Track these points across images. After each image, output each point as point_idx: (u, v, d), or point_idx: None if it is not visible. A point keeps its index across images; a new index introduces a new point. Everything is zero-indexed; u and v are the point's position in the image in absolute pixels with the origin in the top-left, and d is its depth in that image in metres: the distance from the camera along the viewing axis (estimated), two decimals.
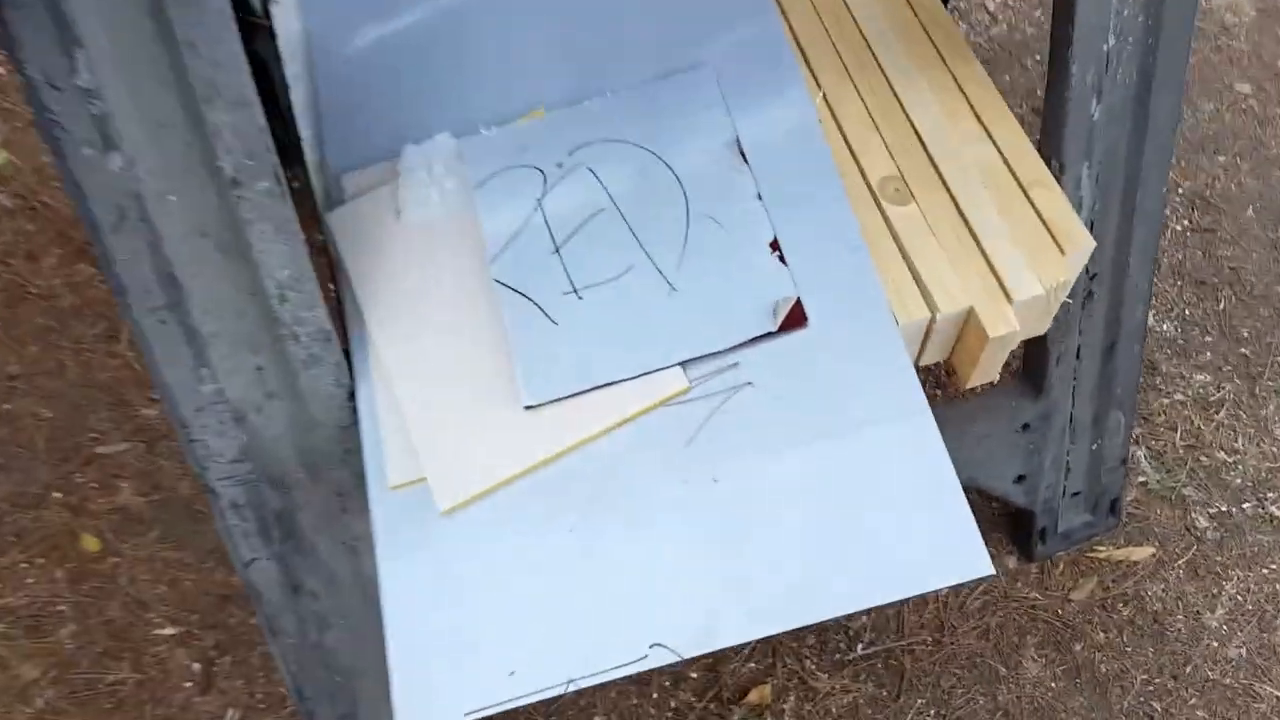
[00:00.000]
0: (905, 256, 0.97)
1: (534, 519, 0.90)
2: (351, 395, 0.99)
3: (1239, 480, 1.55)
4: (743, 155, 1.02)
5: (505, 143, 1.06)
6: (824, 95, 1.07)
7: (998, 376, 1.04)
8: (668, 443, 0.91)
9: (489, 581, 0.88)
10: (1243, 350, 1.65)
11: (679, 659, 0.84)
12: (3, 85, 1.87)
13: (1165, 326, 1.68)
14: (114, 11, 0.76)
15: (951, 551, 0.86)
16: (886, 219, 1.00)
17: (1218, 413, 1.60)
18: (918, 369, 0.94)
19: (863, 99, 1.07)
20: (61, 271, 1.70)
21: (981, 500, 1.49)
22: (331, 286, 1.06)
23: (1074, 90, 1.07)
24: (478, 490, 0.92)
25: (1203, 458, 1.57)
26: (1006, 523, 1.52)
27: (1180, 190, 1.82)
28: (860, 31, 1.10)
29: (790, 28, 1.11)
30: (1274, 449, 1.57)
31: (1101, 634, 1.45)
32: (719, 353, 0.94)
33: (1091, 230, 1.19)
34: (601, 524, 0.89)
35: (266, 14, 1.19)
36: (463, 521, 0.92)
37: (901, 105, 1.06)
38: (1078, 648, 1.44)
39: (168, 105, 0.79)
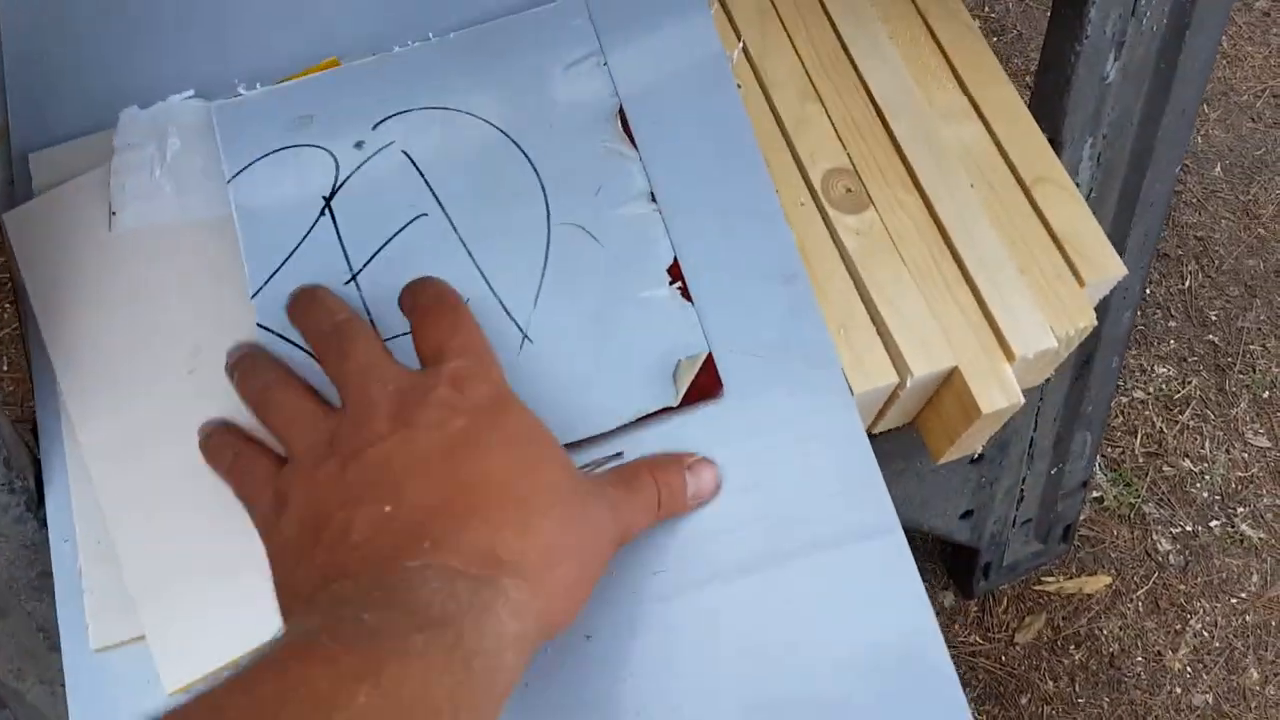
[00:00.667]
0: (860, 290, 0.68)
1: None
2: (37, 502, 0.65)
3: (1206, 493, 1.33)
4: (627, 131, 0.70)
5: (278, 109, 0.71)
6: (743, 47, 0.75)
7: (980, 449, 0.76)
8: None
9: None
10: (1210, 337, 1.42)
11: None
12: None
13: None
14: None
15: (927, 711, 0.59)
16: (833, 232, 0.69)
17: (1182, 413, 1.37)
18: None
19: (798, 54, 0.75)
20: None
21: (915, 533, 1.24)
22: (16, 321, 0.71)
23: (1089, 43, 0.77)
24: (224, 662, 0.60)
25: (1165, 467, 1.34)
26: (941, 552, 1.28)
27: None
28: None
29: None
30: (1245, 455, 1.35)
31: (1050, 683, 1.23)
32: (593, 438, 0.63)
33: None
34: None
35: None
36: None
37: (853, 64, 0.75)
38: (1024, 700, 1.22)
39: None
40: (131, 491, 0.62)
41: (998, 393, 0.65)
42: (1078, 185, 0.86)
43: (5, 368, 1.23)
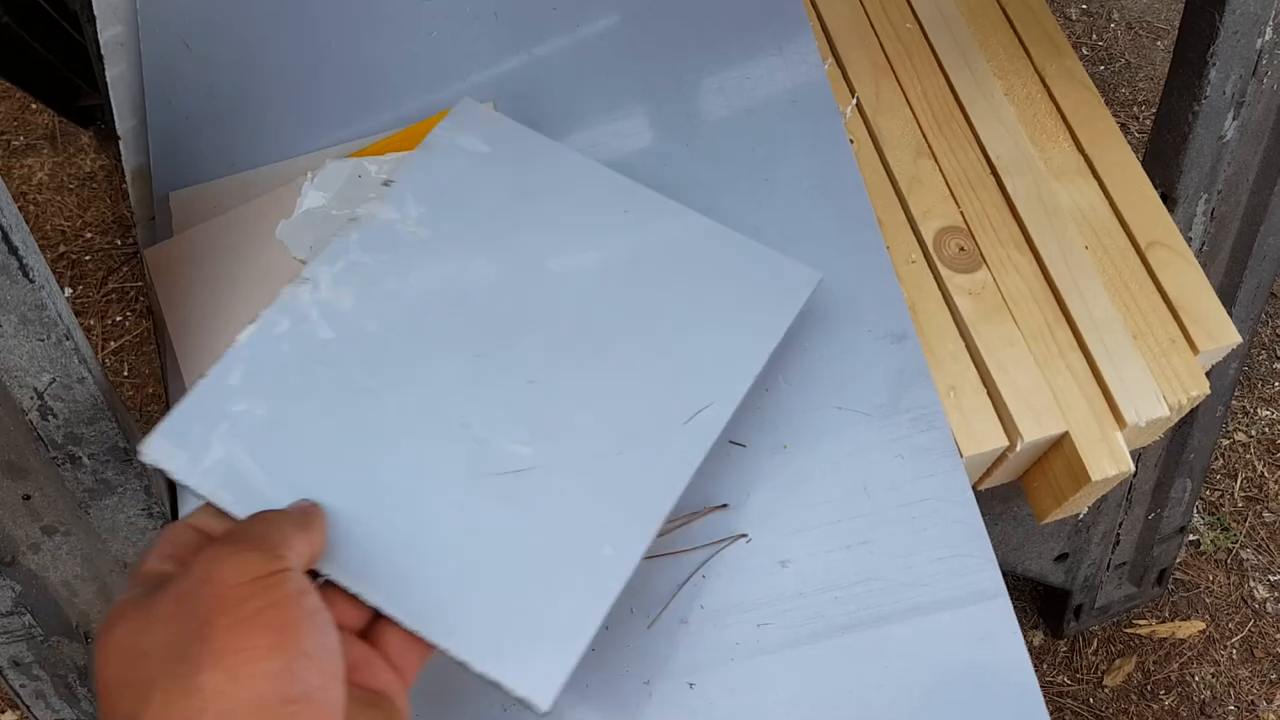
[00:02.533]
0: (971, 351, 0.68)
1: None
2: (173, 520, 0.69)
3: None
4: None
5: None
6: (857, 102, 0.76)
7: (1085, 510, 0.76)
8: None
9: None
10: None
11: None
12: None
13: None
14: None
15: None
16: (944, 291, 0.70)
17: None
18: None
19: (912, 110, 0.76)
20: None
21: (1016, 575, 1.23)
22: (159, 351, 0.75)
23: (1208, 103, 0.76)
24: None
25: (1265, 513, 1.31)
26: (1032, 592, 1.27)
27: None
28: (913, 9, 0.78)
29: (812, 4, 0.79)
30: None
31: None
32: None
33: None
34: None
35: None
36: None
37: (968, 120, 0.75)
38: None
39: None
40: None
41: (1107, 461, 0.65)
42: (1189, 241, 0.86)
43: (126, 373, 1.29)
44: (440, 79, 0.78)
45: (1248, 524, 1.30)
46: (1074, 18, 1.66)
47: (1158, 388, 0.67)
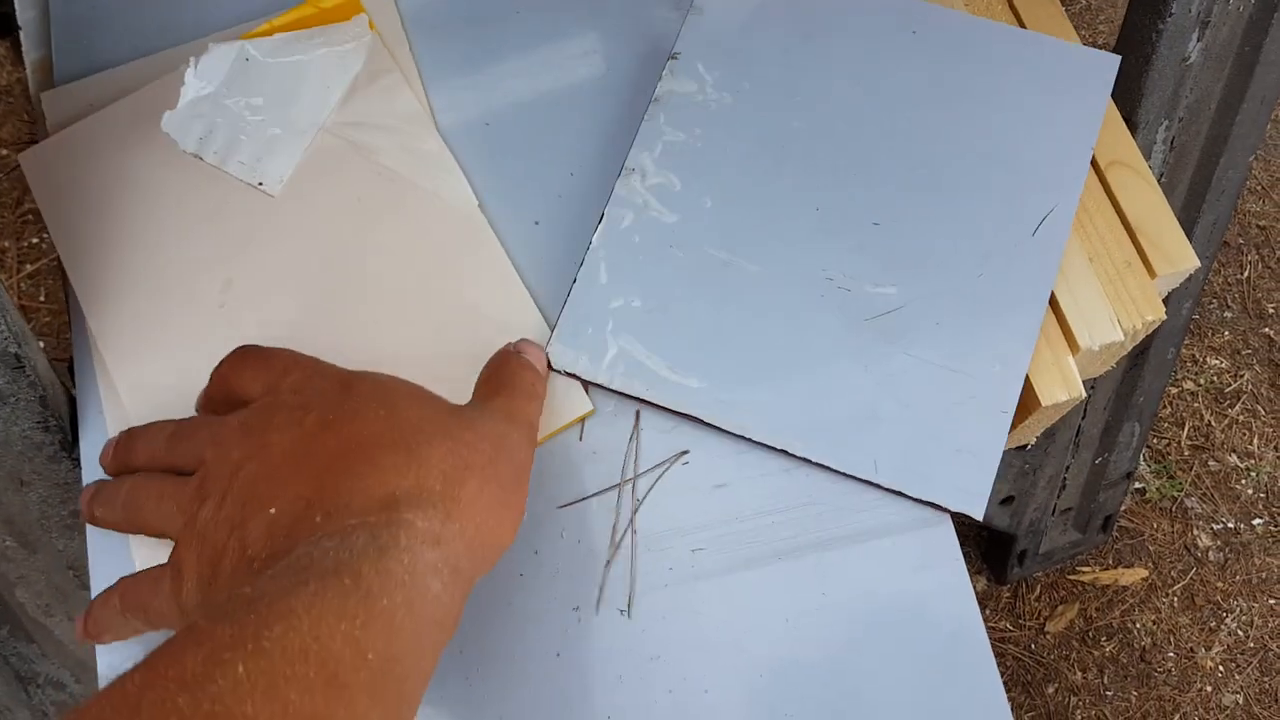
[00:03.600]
0: None
1: None
2: (72, 441, 0.64)
3: (1250, 490, 1.30)
4: None
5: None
6: None
7: (1032, 440, 0.73)
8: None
9: None
10: (1266, 330, 1.38)
11: None
12: None
13: None
14: None
15: None
16: None
17: (1232, 406, 1.33)
18: None
19: None
20: None
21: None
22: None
23: (1172, 20, 0.73)
24: None
25: (1211, 462, 1.31)
26: (976, 537, 1.25)
27: None
28: None
29: None
30: None
31: (1079, 673, 1.21)
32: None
33: None
34: (447, 678, 0.58)
35: None
36: None
37: None
38: (1050, 689, 1.20)
39: None
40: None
41: (1059, 386, 0.63)
42: (1149, 169, 0.83)
43: (43, 298, 1.23)
44: None
45: (1193, 472, 1.30)
46: None
47: (1112, 311, 0.64)
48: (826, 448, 0.58)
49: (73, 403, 0.64)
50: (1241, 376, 1.35)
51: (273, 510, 0.44)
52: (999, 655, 1.21)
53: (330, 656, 0.35)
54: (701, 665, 0.58)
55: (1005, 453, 1.07)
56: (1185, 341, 1.37)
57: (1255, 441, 1.32)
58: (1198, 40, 0.76)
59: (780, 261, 0.62)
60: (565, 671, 0.58)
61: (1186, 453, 1.31)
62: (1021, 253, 0.63)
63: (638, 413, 0.62)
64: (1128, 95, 0.78)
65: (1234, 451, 1.32)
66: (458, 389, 0.54)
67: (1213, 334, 1.37)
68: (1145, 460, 1.30)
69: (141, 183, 0.66)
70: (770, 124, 0.66)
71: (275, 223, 0.64)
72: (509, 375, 0.54)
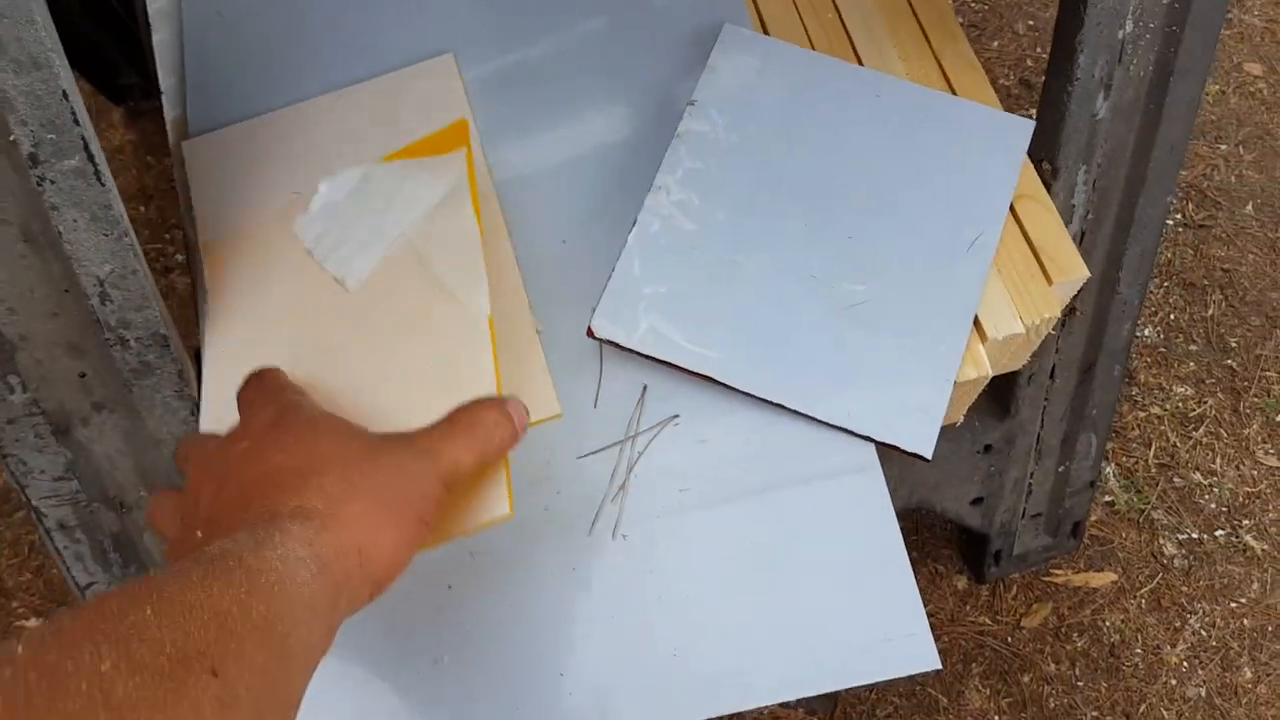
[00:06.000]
0: None
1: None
2: (196, 407, 0.83)
3: (1213, 505, 1.43)
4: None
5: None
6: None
7: (961, 418, 0.89)
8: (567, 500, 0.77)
9: (338, 657, 0.73)
10: (1229, 362, 1.52)
11: None
12: None
13: (1147, 331, 1.55)
14: None
15: (893, 640, 0.73)
16: None
17: (1197, 429, 1.48)
18: None
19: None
20: None
21: (936, 515, 1.37)
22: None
23: (1079, 85, 0.91)
24: None
25: (1176, 478, 1.45)
26: (958, 539, 1.40)
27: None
28: (834, 1, 0.93)
29: None
30: (1254, 472, 1.45)
31: (1052, 665, 1.34)
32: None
33: (1081, 242, 1.04)
34: (483, 585, 0.75)
35: None
36: None
37: None
38: (1026, 679, 1.33)
39: None
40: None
41: (970, 367, 0.79)
42: (1074, 207, 1.00)
43: (178, 258, 1.43)
44: (418, 39, 0.93)
45: (1159, 488, 1.44)
46: (1021, 32, 1.81)
47: (1016, 310, 0.81)
48: (812, 402, 0.76)
49: (198, 378, 0.83)
50: (1205, 403, 1.50)
51: (210, 516, 0.59)
52: (977, 647, 1.35)
53: (220, 609, 0.44)
54: (685, 577, 0.74)
55: (972, 456, 1.23)
56: (1154, 371, 1.52)
57: (1217, 461, 1.46)
58: (1104, 99, 0.94)
59: (776, 262, 0.80)
60: (577, 582, 0.74)
61: (1154, 470, 1.45)
62: (959, 265, 0.81)
63: (644, 386, 0.79)
64: (1050, 145, 0.95)
65: (1198, 470, 1.45)
66: None
67: (1179, 365, 1.52)
68: (1115, 476, 1.44)
69: (269, 245, 0.84)
70: (769, 158, 0.84)
71: (341, 311, 0.80)
72: (466, 415, 0.64)
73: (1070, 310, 1.10)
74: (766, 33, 0.93)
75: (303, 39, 0.94)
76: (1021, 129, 0.87)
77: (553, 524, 0.76)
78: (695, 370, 0.77)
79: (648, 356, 0.77)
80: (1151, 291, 1.58)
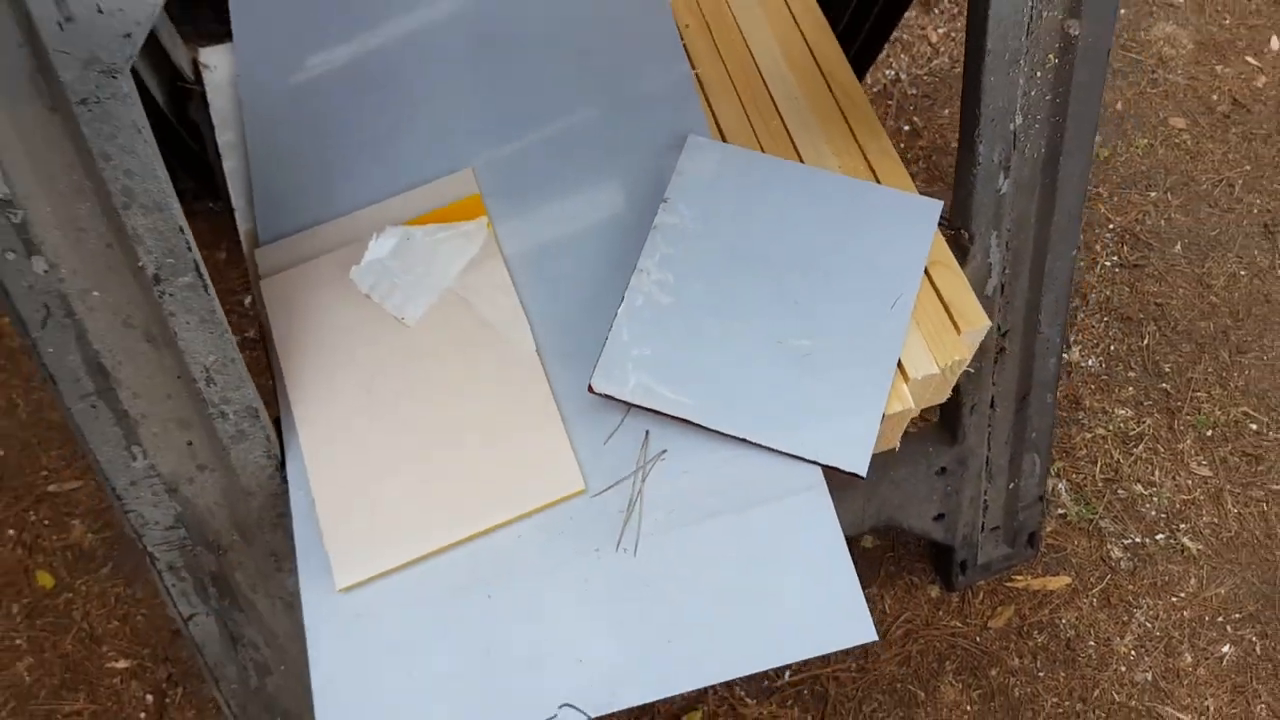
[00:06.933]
0: None
1: (450, 589, 0.95)
2: (282, 465, 1.03)
3: (1154, 512, 1.61)
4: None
5: None
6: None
7: (899, 444, 1.09)
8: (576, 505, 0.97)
9: (409, 649, 0.93)
10: (1164, 385, 1.71)
11: (587, 718, 0.90)
12: None
13: (1090, 362, 1.74)
14: (30, 128, 0.79)
15: (839, 619, 0.92)
16: None
17: (1137, 446, 1.66)
18: None
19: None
20: None
21: (906, 533, 1.56)
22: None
23: (982, 168, 1.11)
24: (375, 572, 0.96)
25: (1120, 490, 1.63)
26: (930, 554, 1.59)
27: (1110, 226, 1.87)
28: (779, 113, 1.14)
29: (699, 82, 1.15)
30: (1189, 482, 1.64)
31: (1016, 659, 1.52)
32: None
33: (1002, 293, 1.24)
34: (513, 594, 0.94)
35: (198, 79, 1.22)
36: (387, 590, 0.97)
37: None
38: (993, 673, 1.51)
39: (86, 212, 0.83)
40: (327, 457, 0.99)
41: (896, 401, 0.99)
42: (991, 265, 1.20)
43: (251, 335, 1.63)
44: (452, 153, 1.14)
45: (1106, 499, 1.63)
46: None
47: (931, 355, 1.01)
48: (771, 436, 0.97)
49: (281, 442, 1.03)
50: (1144, 423, 1.68)
51: None
52: (950, 647, 1.53)
53: None
54: (672, 581, 0.94)
55: (929, 478, 1.43)
56: (1097, 397, 1.71)
57: (1156, 473, 1.64)
58: (1005, 178, 1.14)
59: (738, 325, 1.02)
60: (590, 586, 0.94)
61: (1100, 484, 1.64)
62: (884, 321, 1.01)
63: (647, 431, 0.99)
64: (965, 216, 1.15)
65: (1139, 482, 1.64)
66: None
67: (1119, 390, 1.71)
68: (1066, 493, 1.63)
69: (333, 309, 1.06)
70: (729, 242, 1.06)
71: (406, 341, 1.03)
72: None
73: (1000, 349, 1.30)
74: (724, 139, 1.14)
75: (344, 164, 1.15)
76: (932, 208, 1.08)
77: (574, 538, 0.96)
78: (676, 415, 0.97)
79: (638, 406, 0.98)
80: (1093, 326, 1.77)
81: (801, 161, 1.12)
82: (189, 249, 0.88)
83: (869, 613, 0.91)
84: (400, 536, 0.96)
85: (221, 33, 1.21)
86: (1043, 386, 1.38)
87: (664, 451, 0.98)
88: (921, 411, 1.41)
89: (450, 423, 0.99)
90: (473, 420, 0.99)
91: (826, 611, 0.91)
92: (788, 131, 1.13)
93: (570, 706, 0.90)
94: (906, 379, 1.00)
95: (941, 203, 1.08)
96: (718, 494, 0.97)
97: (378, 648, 0.94)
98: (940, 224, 1.14)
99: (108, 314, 0.89)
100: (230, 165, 1.17)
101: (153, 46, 1.28)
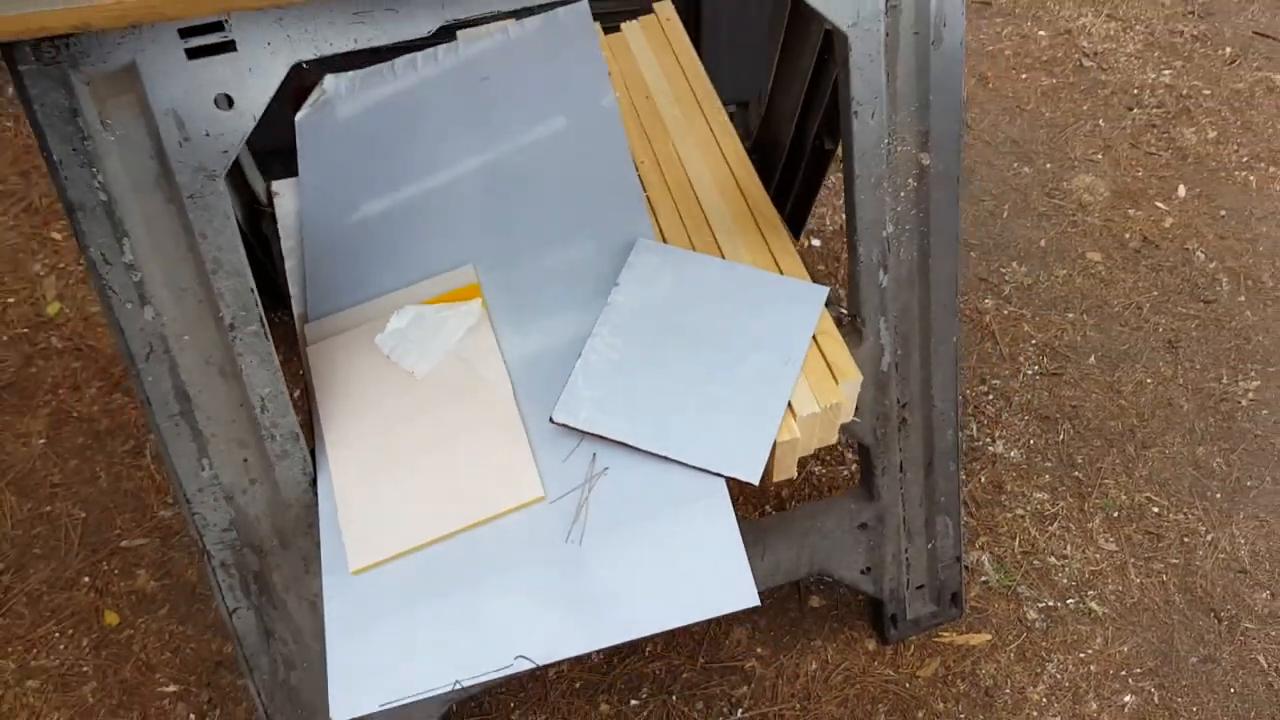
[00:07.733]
0: None
1: (437, 570, 1.23)
2: (314, 482, 1.33)
3: (1065, 580, 1.85)
4: None
5: None
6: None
7: (795, 473, 1.37)
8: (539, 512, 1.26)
9: (403, 614, 1.21)
10: (1076, 474, 1.97)
11: (536, 666, 1.17)
12: (60, 250, 2.29)
13: (1013, 454, 2.01)
14: (152, 214, 1.14)
15: (731, 591, 1.19)
16: None
17: (1051, 524, 1.91)
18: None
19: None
20: (100, 400, 2.08)
21: (848, 593, 1.81)
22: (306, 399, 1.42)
23: (863, 265, 1.43)
24: (382, 557, 1.25)
25: (1036, 561, 1.87)
26: (869, 613, 1.83)
27: (1033, 341, 2.17)
28: (703, 214, 1.48)
29: (649, 202, 1.49)
30: (1097, 555, 1.87)
31: (941, 704, 1.73)
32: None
33: (897, 369, 1.54)
34: (485, 574, 1.22)
35: (270, 203, 1.58)
36: (389, 570, 1.25)
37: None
38: (920, 715, 1.72)
39: (186, 275, 1.17)
40: (349, 474, 1.30)
41: (785, 432, 1.28)
42: (883, 346, 1.50)
43: (297, 395, 1.96)
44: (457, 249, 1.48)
45: (1023, 569, 1.87)
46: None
47: (815, 399, 1.30)
48: (686, 453, 1.25)
49: (312, 455, 1.34)
50: (1058, 505, 1.94)
51: None
52: (883, 693, 1.75)
53: None
54: (608, 564, 1.22)
55: (853, 531, 1.70)
56: (1018, 482, 1.97)
57: (1068, 548, 1.89)
58: (885, 274, 1.46)
59: (668, 377, 1.32)
60: (545, 569, 1.22)
61: (1019, 556, 1.88)
62: (780, 373, 1.31)
63: (594, 454, 1.29)
64: (855, 304, 1.46)
65: (1053, 554, 1.88)
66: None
67: (1037, 477, 1.97)
68: (989, 564, 1.87)
69: (361, 366, 1.39)
70: (665, 316, 1.38)
71: (416, 389, 1.35)
72: None
73: (902, 420, 1.59)
74: (665, 241, 1.48)
75: (374, 261, 1.50)
76: (820, 292, 1.40)
77: (537, 530, 1.24)
78: (617, 439, 1.27)
79: (588, 433, 1.28)
80: (1016, 424, 2.05)
81: (723, 257, 1.45)
82: (256, 305, 1.21)
83: (754, 584, 1.18)
84: (401, 531, 1.26)
85: (289, 172, 1.59)
86: (945, 455, 1.65)
87: (606, 468, 1.28)
88: (855, 473, 1.68)
89: (444, 446, 1.30)
90: (461, 444, 1.29)
91: (722, 584, 1.18)
92: (714, 236, 1.47)
93: (523, 657, 1.17)
94: (795, 415, 1.29)
95: (828, 288, 1.40)
96: (646, 499, 1.25)
97: (379, 613, 1.22)
98: (840, 312, 1.45)
99: (195, 353, 1.22)
100: (290, 264, 1.52)
101: (237, 177, 1.66)
